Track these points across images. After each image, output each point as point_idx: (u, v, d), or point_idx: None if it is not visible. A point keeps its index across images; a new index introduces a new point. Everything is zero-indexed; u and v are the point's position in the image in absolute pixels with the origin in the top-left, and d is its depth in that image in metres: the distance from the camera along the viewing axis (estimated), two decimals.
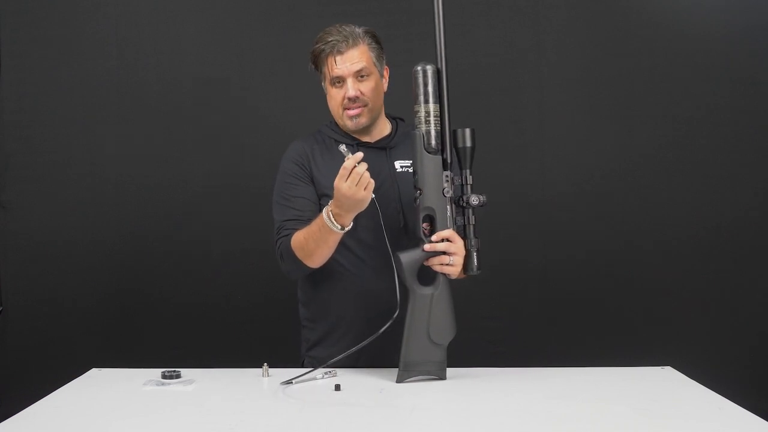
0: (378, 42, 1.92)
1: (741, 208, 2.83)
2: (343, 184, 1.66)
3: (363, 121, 1.89)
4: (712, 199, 2.83)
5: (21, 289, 2.91)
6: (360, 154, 1.66)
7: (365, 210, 1.84)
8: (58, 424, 1.49)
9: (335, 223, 1.72)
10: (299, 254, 1.81)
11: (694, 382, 1.73)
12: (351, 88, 1.86)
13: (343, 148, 1.69)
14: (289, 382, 1.72)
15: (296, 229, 1.84)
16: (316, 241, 1.77)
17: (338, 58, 1.85)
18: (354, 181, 1.65)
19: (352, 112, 1.88)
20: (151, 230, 2.89)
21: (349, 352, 1.73)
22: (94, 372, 1.88)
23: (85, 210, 2.90)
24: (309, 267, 1.83)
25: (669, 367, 1.85)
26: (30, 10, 2.91)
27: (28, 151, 2.91)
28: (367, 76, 1.87)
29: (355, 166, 1.65)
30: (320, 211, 1.81)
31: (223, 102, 2.90)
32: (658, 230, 2.84)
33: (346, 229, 1.74)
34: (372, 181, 1.68)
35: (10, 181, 2.91)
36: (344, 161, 1.67)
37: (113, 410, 1.56)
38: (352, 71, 1.86)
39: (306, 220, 1.84)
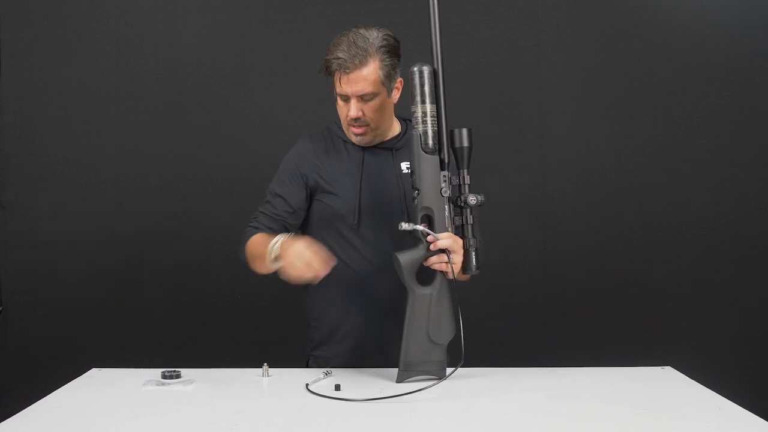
0: (393, 54, 1.84)
1: (741, 208, 2.83)
2: (307, 254, 1.63)
3: (367, 139, 1.90)
4: (712, 199, 2.83)
5: (21, 289, 2.91)
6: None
7: (370, 210, 1.87)
8: (58, 424, 1.49)
9: (274, 259, 1.69)
10: (248, 253, 1.84)
11: (694, 382, 1.73)
12: (353, 109, 1.83)
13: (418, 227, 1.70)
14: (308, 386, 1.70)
15: (264, 226, 1.87)
16: (260, 255, 1.75)
17: (344, 78, 1.81)
18: (303, 260, 1.63)
19: (355, 131, 1.88)
20: (151, 230, 2.89)
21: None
22: (94, 372, 1.88)
23: (85, 210, 2.90)
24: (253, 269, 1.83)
25: (669, 367, 1.85)
26: (30, 10, 2.91)
27: (28, 151, 2.91)
28: (373, 98, 1.83)
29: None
30: (302, 211, 1.90)
31: (223, 102, 2.90)
32: (658, 230, 2.84)
33: (276, 266, 1.70)
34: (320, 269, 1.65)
35: (10, 181, 2.91)
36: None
37: (113, 410, 1.56)
38: (356, 94, 1.82)
39: (277, 220, 1.88)
